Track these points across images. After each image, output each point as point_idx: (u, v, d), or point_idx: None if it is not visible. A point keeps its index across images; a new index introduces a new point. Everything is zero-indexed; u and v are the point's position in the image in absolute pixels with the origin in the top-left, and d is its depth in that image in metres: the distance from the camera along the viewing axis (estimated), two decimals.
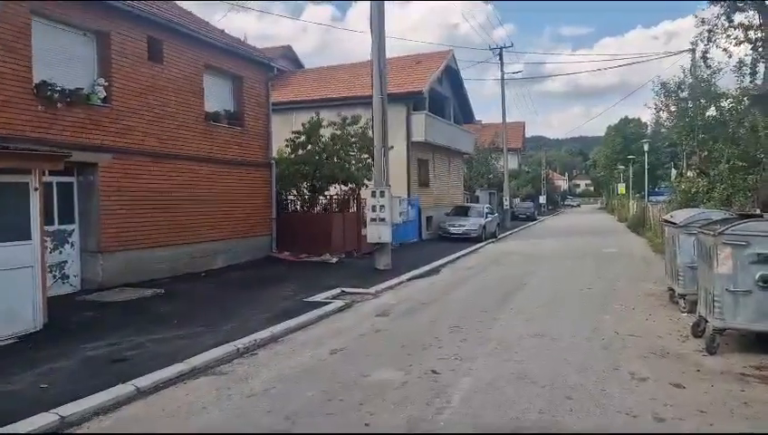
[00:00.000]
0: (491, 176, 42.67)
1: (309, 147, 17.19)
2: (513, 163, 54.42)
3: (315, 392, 5.63)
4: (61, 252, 10.64)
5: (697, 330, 7.52)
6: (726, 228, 6.65)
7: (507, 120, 38.42)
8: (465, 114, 31.66)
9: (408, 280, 13.34)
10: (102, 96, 11.00)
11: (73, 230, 10.90)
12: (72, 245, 10.87)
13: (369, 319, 9.18)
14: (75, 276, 10.92)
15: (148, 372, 6.07)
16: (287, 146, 17.38)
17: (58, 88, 10.02)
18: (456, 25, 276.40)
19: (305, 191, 17.64)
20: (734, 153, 15.31)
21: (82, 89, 10.66)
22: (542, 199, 61.04)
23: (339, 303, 10.27)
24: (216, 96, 14.65)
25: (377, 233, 14.36)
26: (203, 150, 13.79)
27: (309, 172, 16.98)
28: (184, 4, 14.05)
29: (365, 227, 15.28)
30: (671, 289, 10.00)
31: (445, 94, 27.95)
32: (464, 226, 24.02)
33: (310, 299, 10.50)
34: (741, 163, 14.96)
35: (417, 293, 11.75)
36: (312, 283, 12.29)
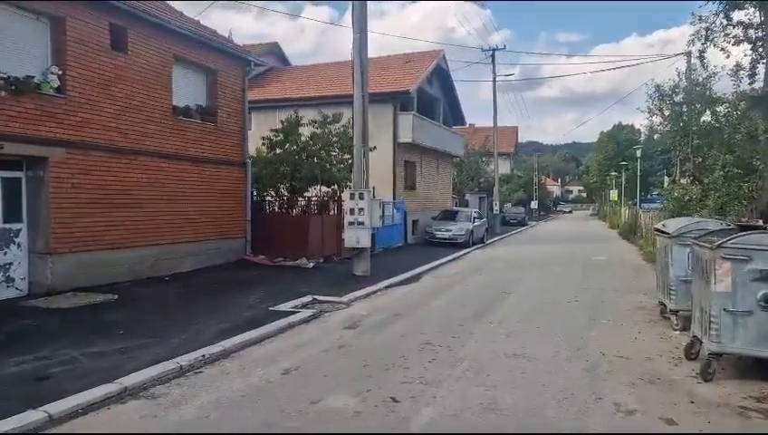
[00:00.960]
0: (482, 180, 42.02)
1: (287, 146, 16.42)
2: (505, 168, 53.91)
3: (253, 422, 4.88)
4: (6, 253, 9.81)
5: (691, 352, 6.82)
6: (726, 241, 5.93)
7: (500, 124, 37.79)
8: (455, 116, 30.99)
9: (386, 288, 12.60)
10: (56, 85, 10.18)
11: (20, 230, 10.07)
12: (19, 245, 10.04)
13: (335, 332, 8.42)
14: (22, 279, 10.09)
15: (71, 394, 5.30)
16: (263, 144, 16.60)
17: (2, 75, 9.20)
18: (452, 29, 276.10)
19: (284, 192, 16.86)
20: (729, 160, 14.68)
21: (33, 77, 9.84)
22: (534, 205, 60.46)
23: (307, 313, 9.51)
24: (188, 90, 13.85)
25: (355, 237, 13.62)
26: (171, 147, 12.99)
27: (287, 172, 16.18)
28: (175, 4, 13.39)
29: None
30: (662, 304, 9.30)
31: (434, 95, 27.28)
32: (450, 230, 23.32)
33: (277, 308, 9.75)
34: (736, 170, 14.33)
35: (392, 302, 11.00)
36: (283, 289, 11.55)
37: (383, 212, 20.31)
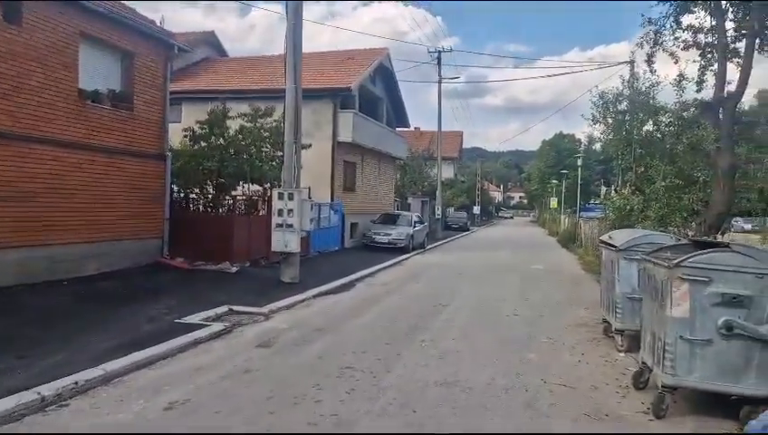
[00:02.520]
0: (425, 183, 41.47)
1: (212, 140, 15.12)
2: (449, 172, 53.63)
3: None
4: None
5: (640, 381, 6.09)
6: (684, 259, 5.20)
7: (446, 129, 37.33)
8: (399, 118, 30.24)
9: (314, 297, 11.56)
10: None
11: None
12: None
13: (245, 351, 7.31)
14: None
15: None
16: (185, 136, 15.24)
17: None
18: (403, 33, 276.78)
19: (209, 190, 15.54)
20: (670, 171, 14.40)
21: None
22: (477, 210, 60.51)
23: (217, 326, 8.37)
24: (98, 73, 12.38)
25: (283, 241, 12.51)
26: (74, 135, 11.52)
27: (213, 168, 14.88)
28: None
29: None
30: (606, 321, 8.64)
31: (378, 95, 26.41)
32: (390, 235, 22.49)
33: (184, 320, 8.57)
34: (677, 181, 14.06)
35: (317, 314, 9.96)
36: (198, 297, 10.36)
37: (319, 214, 19.31)
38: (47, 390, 5.37)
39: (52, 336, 7.26)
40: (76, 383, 5.65)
